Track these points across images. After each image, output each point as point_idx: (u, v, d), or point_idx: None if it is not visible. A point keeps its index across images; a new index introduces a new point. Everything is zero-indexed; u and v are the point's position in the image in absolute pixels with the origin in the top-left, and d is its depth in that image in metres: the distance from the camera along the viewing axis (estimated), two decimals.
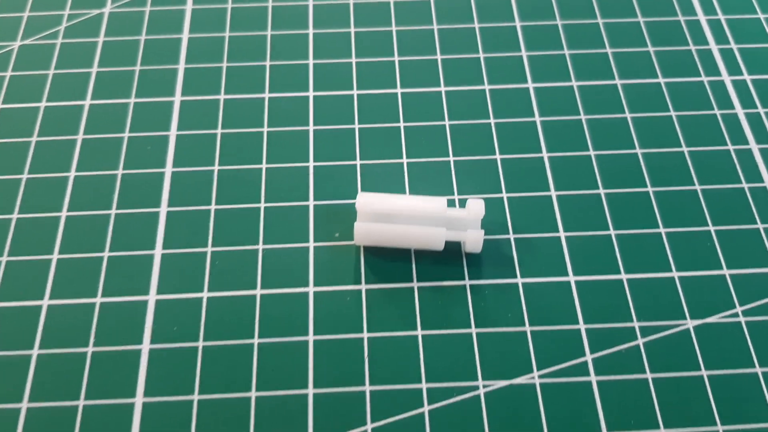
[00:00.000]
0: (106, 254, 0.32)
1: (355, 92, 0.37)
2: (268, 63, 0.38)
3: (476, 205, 0.31)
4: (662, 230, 0.33)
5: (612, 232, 0.33)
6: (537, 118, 0.36)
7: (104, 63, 0.38)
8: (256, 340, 0.30)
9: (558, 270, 0.32)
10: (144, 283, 0.31)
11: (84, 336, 0.30)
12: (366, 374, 0.29)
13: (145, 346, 0.29)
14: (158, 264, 0.31)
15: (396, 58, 0.38)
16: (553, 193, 0.34)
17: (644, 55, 0.39)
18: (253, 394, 0.29)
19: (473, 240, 0.31)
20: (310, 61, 0.38)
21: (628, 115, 0.36)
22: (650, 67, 0.38)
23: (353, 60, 0.38)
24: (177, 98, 0.37)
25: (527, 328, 0.30)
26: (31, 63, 0.38)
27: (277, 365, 0.29)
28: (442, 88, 0.37)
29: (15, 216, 0.33)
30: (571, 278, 0.31)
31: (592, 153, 0.35)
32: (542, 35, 0.39)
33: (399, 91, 0.37)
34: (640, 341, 0.30)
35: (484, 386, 0.29)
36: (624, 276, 0.32)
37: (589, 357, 0.30)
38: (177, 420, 0.28)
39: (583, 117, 0.36)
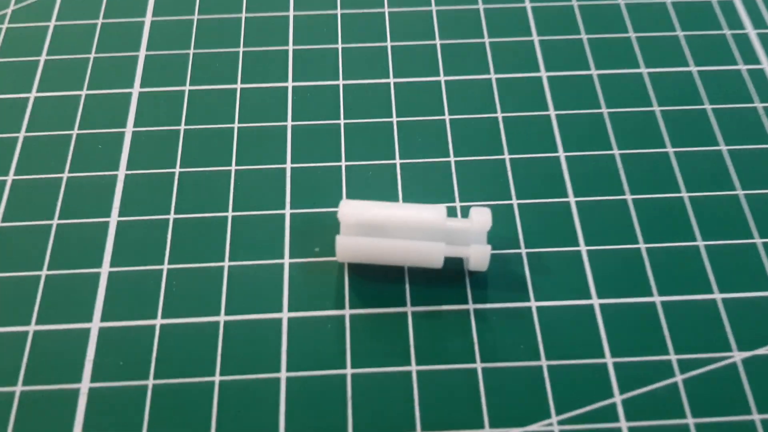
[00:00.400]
0: (44, 272, 0.27)
1: (341, 82, 0.32)
2: (241, 49, 0.33)
3: (481, 215, 0.26)
4: (700, 243, 0.28)
5: (642, 245, 0.28)
6: (552, 112, 0.31)
7: (54, 50, 0.33)
8: (217, 378, 0.25)
9: (579, 292, 0.27)
10: (87, 307, 0.26)
11: (15, 371, 0.25)
12: (349, 420, 0.24)
13: (85, 385, 0.25)
14: (104, 284, 0.27)
15: (389, 44, 0.34)
16: (572, 200, 0.29)
17: (672, 41, 0.34)
18: None
19: (478, 256, 0.26)
20: (290, 47, 0.33)
21: (656, 108, 0.32)
22: (680, 53, 0.33)
23: (339, 46, 0.33)
24: (135, 90, 0.32)
25: (543, 363, 0.25)
26: None
27: (242, 409, 0.24)
28: (442, 78, 0.32)
29: None
30: (595, 301, 0.27)
31: (616, 152, 0.30)
32: (556, 17, 0.35)
33: (392, 81, 0.32)
34: (679, 378, 0.25)
35: None
36: (657, 298, 0.27)
37: (618, 398, 0.25)
38: None
39: (604, 110, 0.31)
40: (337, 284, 0.27)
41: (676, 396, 0.25)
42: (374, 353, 0.25)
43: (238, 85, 0.32)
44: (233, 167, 0.30)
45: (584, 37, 0.34)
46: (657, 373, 0.25)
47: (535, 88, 0.32)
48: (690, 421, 0.24)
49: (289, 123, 0.31)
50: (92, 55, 0.33)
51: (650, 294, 0.27)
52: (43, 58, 0.33)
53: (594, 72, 0.33)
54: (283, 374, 0.25)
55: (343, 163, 0.30)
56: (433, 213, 0.26)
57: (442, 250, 0.26)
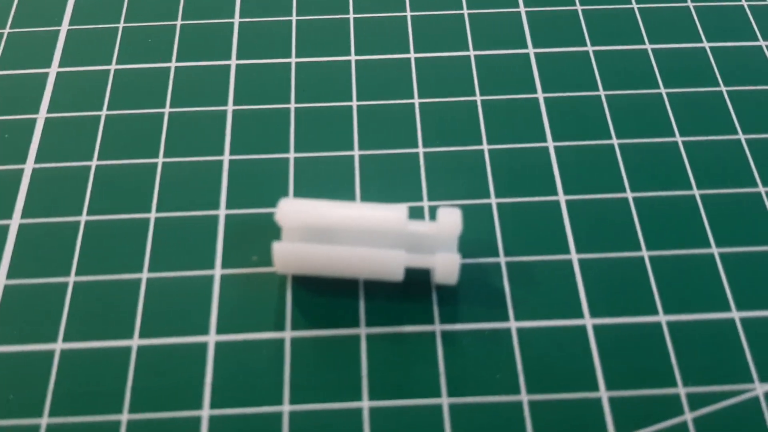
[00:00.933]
0: None
1: (293, 60, 0.28)
2: (178, 22, 0.29)
3: (449, 216, 0.22)
4: (715, 250, 0.23)
5: (645, 252, 0.23)
6: (540, 95, 0.27)
7: None
8: (124, 416, 0.20)
9: (568, 309, 0.22)
10: None
11: None
12: None
13: None
14: None
15: (351, 16, 0.29)
16: (562, 198, 0.24)
17: (682, 12, 0.29)
18: None
19: (445, 266, 0.21)
20: (236, 20, 0.29)
21: (663, 91, 0.27)
22: (690, 26, 0.29)
23: (293, 18, 0.29)
24: (53, 69, 0.27)
25: (523, 398, 0.21)
26: None
27: None
28: (412, 55, 0.28)
29: None
30: (588, 321, 0.22)
31: (615, 141, 0.26)
32: None
33: (353, 58, 0.28)
34: (689, 416, 0.21)
35: None
36: (663, 317, 0.22)
37: None
38: None
39: (602, 93, 0.27)
40: (278, 300, 0.22)
41: None
42: (318, 385, 0.21)
43: (173, 64, 0.27)
44: (160, 159, 0.25)
45: (579, 8, 0.29)
46: (662, 410, 0.21)
47: (521, 67, 0.28)
48: None
49: (230, 107, 0.26)
50: (6, 30, 0.29)
51: (654, 312, 0.22)
52: None
53: (590, 48, 0.28)
54: (206, 412, 0.21)
55: (292, 155, 0.25)
56: (391, 214, 0.22)
57: (401, 259, 0.21)
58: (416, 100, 0.27)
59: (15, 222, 0.24)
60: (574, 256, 0.23)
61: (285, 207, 0.22)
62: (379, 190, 0.24)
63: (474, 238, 0.24)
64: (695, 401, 0.21)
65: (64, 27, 0.29)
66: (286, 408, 0.21)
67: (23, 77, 0.27)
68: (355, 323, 0.22)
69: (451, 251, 0.22)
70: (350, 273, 0.22)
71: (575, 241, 0.24)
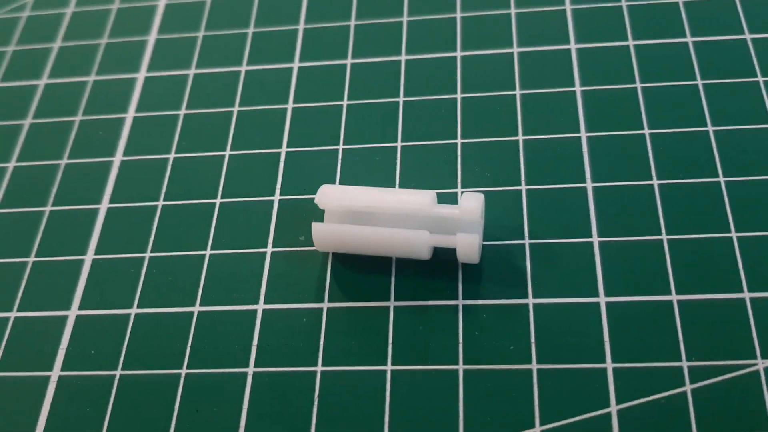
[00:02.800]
0: (31, 259, 0.28)
1: (348, 61, 0.31)
2: (251, 30, 0.33)
3: (471, 201, 0.25)
4: (734, 235, 0.25)
5: (664, 236, 0.25)
6: (577, 88, 0.29)
7: (69, 36, 0.34)
8: (183, 371, 0.25)
9: (586, 288, 0.25)
10: (66, 295, 0.27)
11: None
12: (312, 422, 0.23)
13: (55, 373, 0.25)
14: (86, 273, 0.27)
15: (405, 19, 0.32)
16: (589, 185, 0.27)
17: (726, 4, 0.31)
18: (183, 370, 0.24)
19: (465, 246, 0.24)
20: (300, 27, 0.33)
21: (699, 82, 0.29)
22: (731, 19, 0.30)
23: (352, 23, 0.33)
24: (141, 74, 0.32)
25: (533, 366, 0.24)
26: None
27: (206, 404, 0.24)
28: (458, 53, 0.31)
29: None
30: (602, 299, 0.25)
31: (647, 132, 0.28)
32: None
33: (403, 58, 0.31)
34: (688, 387, 0.23)
35: None
36: (675, 297, 0.24)
37: (614, 408, 0.23)
38: None
39: (638, 85, 0.29)
40: (319, 275, 0.26)
41: (684, 407, 0.22)
42: (349, 350, 0.25)
43: (243, 68, 0.32)
44: (227, 152, 0.29)
45: (624, 4, 0.31)
46: (663, 382, 0.23)
47: (561, 62, 0.30)
48: None
49: (290, 105, 0.30)
50: (104, 41, 0.34)
51: (668, 292, 0.24)
52: (57, 45, 0.34)
53: (631, 42, 0.30)
54: (251, 369, 0.25)
55: (341, 147, 0.29)
56: (418, 198, 0.25)
57: (424, 239, 0.25)
58: (459, 96, 0.30)
59: (104, 206, 0.29)
60: (596, 240, 0.26)
61: (324, 192, 0.25)
62: (416, 178, 0.28)
63: (502, 222, 0.26)
64: (696, 374, 0.23)
65: (152, 36, 0.34)
66: (318, 368, 0.24)
67: (114, 82, 0.32)
68: (386, 297, 0.25)
69: (470, 232, 0.24)
70: (381, 251, 0.25)
71: (598, 225, 0.26)
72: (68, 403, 0.25)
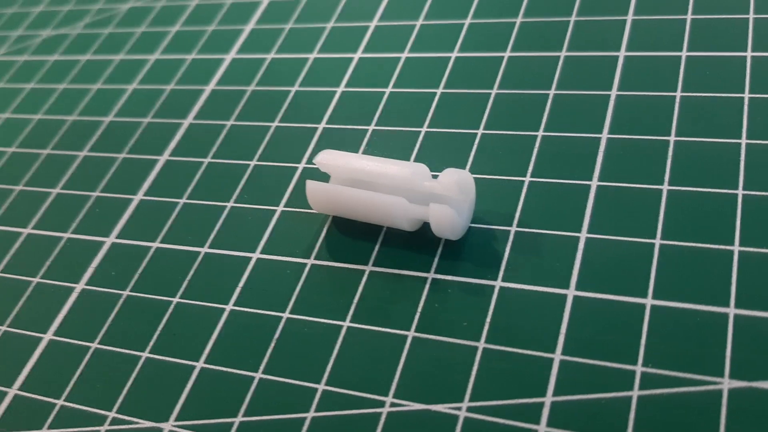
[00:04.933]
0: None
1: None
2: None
3: (450, 176, 0.24)
4: (736, 248, 0.22)
5: (657, 240, 0.23)
6: (614, 92, 0.27)
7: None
8: (176, 299, 0.26)
9: (558, 279, 0.23)
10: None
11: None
12: (264, 360, 0.24)
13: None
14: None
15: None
16: (595, 183, 0.25)
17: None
18: (144, 354, 0.25)
19: (435, 216, 0.24)
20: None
21: (746, 96, 0.26)
22: None
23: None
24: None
25: (480, 344, 0.22)
26: None
27: (184, 329, 0.25)
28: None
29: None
30: (571, 291, 0.23)
31: (672, 138, 0.25)
32: None
33: (454, 54, 0.31)
34: (635, 393, 0.20)
35: (392, 405, 0.22)
36: (650, 301, 0.22)
37: (548, 398, 0.21)
38: None
39: (678, 94, 0.27)
40: (314, 235, 0.26)
41: (624, 412, 0.20)
42: (317, 303, 0.24)
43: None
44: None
45: (689, 17, 0.29)
46: (610, 383, 0.20)
47: (605, 66, 0.28)
48: None
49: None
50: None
51: (643, 295, 0.22)
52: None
53: (684, 54, 0.28)
54: (229, 307, 0.25)
55: (372, 127, 0.29)
56: (406, 170, 0.25)
57: (403, 206, 0.24)
58: (494, 91, 0.29)
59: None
60: (584, 235, 0.24)
61: (322, 156, 0.26)
62: (433, 160, 0.27)
63: (496, 209, 0.25)
64: (649, 381, 0.20)
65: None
66: (285, 315, 0.24)
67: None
68: (365, 261, 0.25)
69: (442, 204, 0.24)
70: (363, 214, 0.25)
71: (591, 222, 0.24)
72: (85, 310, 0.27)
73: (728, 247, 0.22)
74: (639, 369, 0.20)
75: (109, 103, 0.35)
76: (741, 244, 0.22)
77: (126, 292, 0.27)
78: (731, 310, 0.21)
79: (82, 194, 0.31)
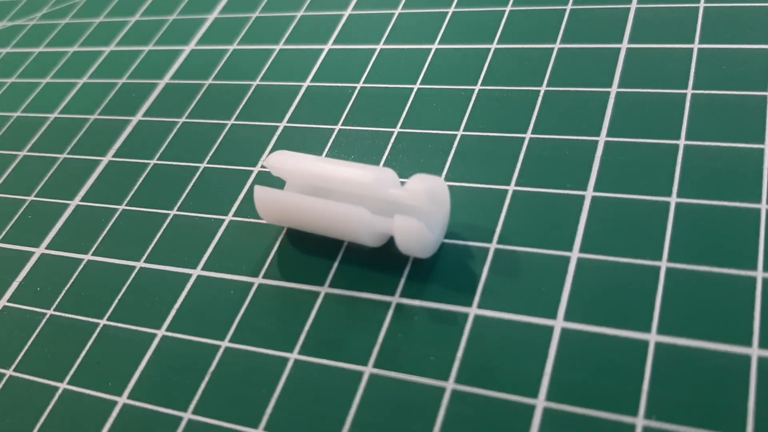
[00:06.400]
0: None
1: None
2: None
3: (419, 183, 0.20)
4: (760, 274, 0.18)
5: (664, 263, 0.19)
6: (613, 89, 0.23)
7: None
8: (103, 321, 0.22)
9: (543, 307, 0.19)
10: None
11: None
12: (197, 395, 0.19)
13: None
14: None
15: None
16: (590, 193, 0.21)
17: None
18: (63, 385, 0.21)
19: (401, 230, 0.19)
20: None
21: (759, 93, 0.22)
22: None
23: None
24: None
25: (448, 384, 0.18)
26: None
27: (108, 356, 0.21)
28: (494, 45, 0.26)
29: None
30: (559, 323, 0.18)
31: (682, 143, 0.21)
32: None
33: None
34: None
35: None
36: (654, 336, 0.18)
37: None
38: None
39: (689, 91, 0.22)
40: (265, 250, 0.22)
41: None
42: (261, 330, 0.20)
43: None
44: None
45: (701, 5, 0.25)
46: None
47: (606, 59, 0.24)
48: None
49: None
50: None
51: (647, 329, 0.18)
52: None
53: (696, 46, 0.24)
54: (161, 332, 0.21)
55: (337, 126, 0.25)
56: (367, 175, 0.20)
57: (364, 217, 0.20)
58: (477, 87, 0.25)
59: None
60: (575, 255, 0.19)
61: (274, 157, 0.22)
62: (405, 165, 0.23)
63: (473, 221, 0.21)
64: None
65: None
66: (224, 344, 0.20)
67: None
68: (321, 282, 0.21)
69: (409, 216, 0.19)
70: (320, 227, 0.21)
71: (584, 239, 0.20)
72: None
73: (751, 273, 0.18)
74: (640, 422, 0.16)
75: (57, 99, 0.31)
76: (765, 269, 0.18)
77: (49, 312, 0.23)
78: (754, 351, 0.17)
79: (15, 198, 0.27)
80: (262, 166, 0.24)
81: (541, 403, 0.17)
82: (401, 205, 0.20)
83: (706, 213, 0.19)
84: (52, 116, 0.30)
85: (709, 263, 0.18)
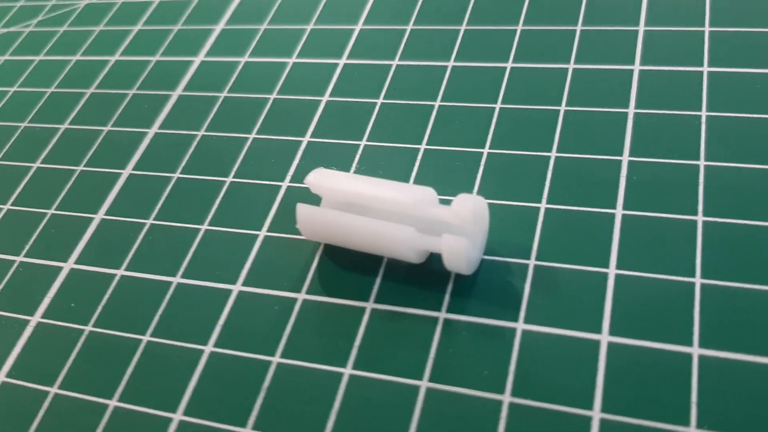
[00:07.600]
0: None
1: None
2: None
3: (465, 202, 0.20)
4: None
5: (698, 279, 0.20)
6: (631, 109, 0.24)
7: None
8: (146, 337, 0.21)
9: (587, 321, 0.19)
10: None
11: None
12: (253, 413, 0.19)
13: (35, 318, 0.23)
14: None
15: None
16: (619, 212, 0.21)
17: None
18: (113, 402, 0.20)
19: (450, 249, 0.20)
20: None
21: None
22: None
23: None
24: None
25: (505, 398, 0.18)
26: None
27: (156, 373, 0.21)
28: (509, 64, 0.27)
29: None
30: (604, 337, 0.19)
31: (702, 163, 0.22)
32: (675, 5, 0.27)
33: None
34: None
35: None
36: (697, 350, 0.18)
37: None
38: None
39: (704, 113, 0.23)
40: (304, 265, 0.22)
41: None
42: (311, 345, 0.20)
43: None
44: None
45: (707, 29, 0.26)
46: None
47: (620, 81, 0.25)
48: None
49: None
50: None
51: (689, 343, 0.18)
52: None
53: (705, 69, 0.25)
54: (208, 348, 0.21)
55: (363, 143, 0.25)
56: (411, 195, 0.21)
57: (410, 236, 0.20)
58: (498, 105, 0.25)
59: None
60: (612, 271, 0.20)
61: (314, 175, 0.22)
62: (435, 182, 0.23)
63: (510, 238, 0.21)
64: None
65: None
66: (275, 359, 0.20)
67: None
68: (365, 297, 0.21)
69: (457, 235, 0.20)
70: (364, 244, 0.21)
71: (619, 256, 0.20)
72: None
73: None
74: (694, 431, 0.17)
75: (65, 109, 0.30)
76: None
77: (88, 327, 0.22)
78: None
79: (35, 211, 0.26)
80: (294, 181, 0.24)
81: (597, 414, 0.18)
82: (446, 224, 0.20)
83: (731, 231, 0.20)
84: (62, 127, 0.29)
85: (741, 279, 0.19)
